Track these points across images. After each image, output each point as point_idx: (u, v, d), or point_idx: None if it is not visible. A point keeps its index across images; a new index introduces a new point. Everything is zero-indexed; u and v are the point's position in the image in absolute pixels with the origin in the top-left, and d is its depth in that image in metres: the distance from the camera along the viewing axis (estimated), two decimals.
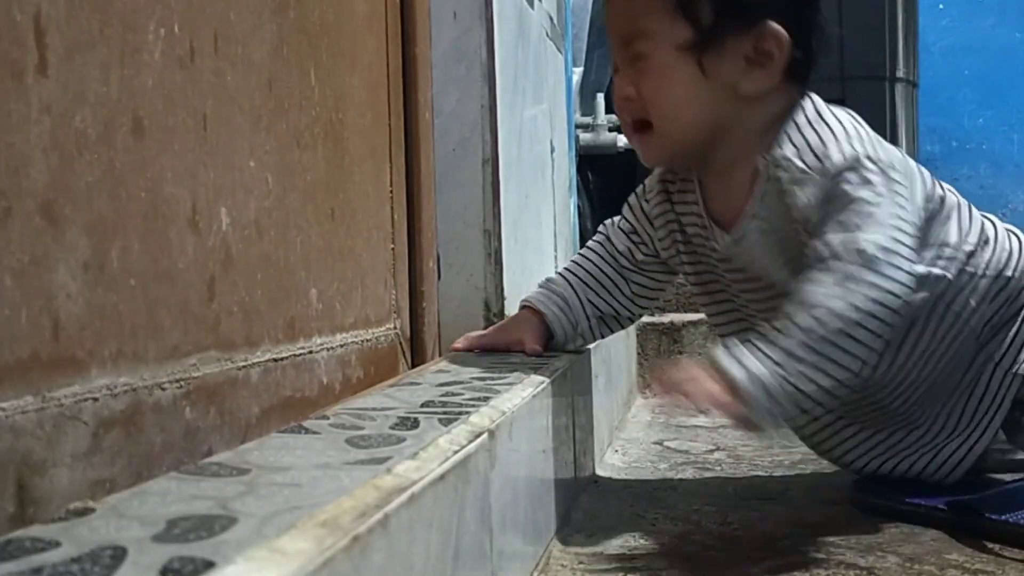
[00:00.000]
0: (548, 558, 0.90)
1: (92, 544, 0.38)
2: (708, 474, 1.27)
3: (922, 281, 0.95)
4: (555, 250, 1.73)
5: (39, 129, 0.52)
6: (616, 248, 1.13)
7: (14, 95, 0.50)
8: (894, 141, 2.93)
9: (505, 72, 1.29)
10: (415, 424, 0.65)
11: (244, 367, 0.74)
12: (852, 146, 0.93)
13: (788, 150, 0.95)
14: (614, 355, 1.56)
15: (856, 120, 0.98)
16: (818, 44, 0.99)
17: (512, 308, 1.22)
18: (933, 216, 1.00)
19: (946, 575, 0.85)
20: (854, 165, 0.92)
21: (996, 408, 1.04)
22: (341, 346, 0.94)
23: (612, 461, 1.35)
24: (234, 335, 0.73)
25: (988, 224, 1.06)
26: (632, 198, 1.15)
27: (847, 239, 0.89)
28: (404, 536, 0.49)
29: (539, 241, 1.40)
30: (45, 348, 0.52)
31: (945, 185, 1.06)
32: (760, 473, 1.26)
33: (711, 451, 1.37)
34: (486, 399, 0.77)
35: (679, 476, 1.25)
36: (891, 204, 0.90)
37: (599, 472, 1.26)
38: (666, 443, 1.48)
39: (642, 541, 0.96)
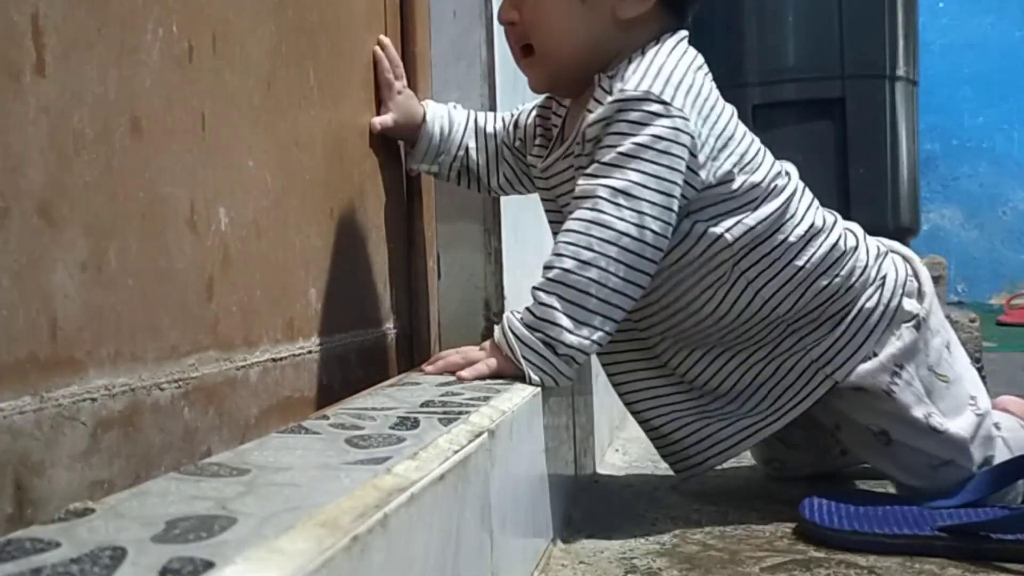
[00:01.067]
0: (548, 558, 0.90)
1: (92, 545, 0.38)
2: (708, 474, 1.26)
3: (697, 238, 0.97)
4: None
5: (36, 129, 0.52)
6: (509, 125, 1.17)
7: (11, 95, 0.50)
8: (894, 140, 2.93)
9: (505, 71, 1.28)
10: (415, 424, 0.65)
11: (243, 367, 0.73)
12: (653, 82, 0.93)
13: (616, 73, 0.97)
14: None
15: (691, 66, 0.97)
16: None
17: (512, 308, 1.22)
18: (732, 183, 0.99)
19: (946, 574, 0.85)
20: (641, 99, 0.92)
21: (799, 401, 1.04)
22: (340, 346, 0.94)
23: (613, 460, 1.35)
24: (233, 335, 0.73)
25: (827, 222, 1.05)
26: (526, 108, 1.17)
27: (593, 185, 0.92)
28: (404, 536, 0.49)
29: (539, 240, 1.40)
30: (43, 348, 0.52)
31: (791, 174, 1.05)
32: (760, 473, 1.26)
33: None
34: (486, 399, 0.76)
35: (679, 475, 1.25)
36: (656, 154, 0.91)
37: (599, 471, 1.26)
38: None
39: (642, 541, 0.96)
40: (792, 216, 1.02)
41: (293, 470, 0.52)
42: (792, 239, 1.01)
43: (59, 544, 0.39)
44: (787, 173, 1.05)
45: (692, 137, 0.93)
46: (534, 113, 1.15)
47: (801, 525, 0.97)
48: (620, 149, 0.92)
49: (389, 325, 1.09)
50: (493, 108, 1.28)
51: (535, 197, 1.16)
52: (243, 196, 0.75)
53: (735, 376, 1.05)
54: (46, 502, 0.51)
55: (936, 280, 3.23)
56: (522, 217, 1.40)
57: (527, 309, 0.91)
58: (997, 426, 1.07)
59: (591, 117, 0.94)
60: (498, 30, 1.28)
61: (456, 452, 0.60)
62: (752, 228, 0.99)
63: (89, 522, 0.42)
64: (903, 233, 3.02)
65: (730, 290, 1.01)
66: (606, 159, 0.92)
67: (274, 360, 0.79)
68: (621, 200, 0.91)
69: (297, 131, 0.87)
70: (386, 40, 1.10)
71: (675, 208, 0.92)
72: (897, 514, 0.96)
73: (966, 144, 4.60)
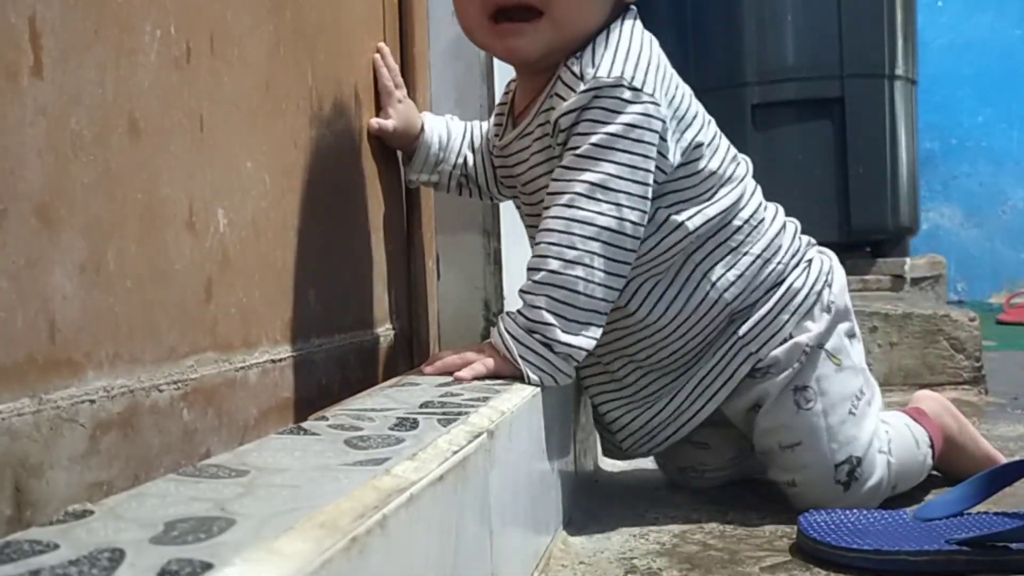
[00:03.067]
0: (548, 558, 0.90)
1: (90, 546, 0.38)
2: None
3: (658, 225, 0.97)
4: None
5: (34, 131, 0.52)
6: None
7: (9, 97, 0.50)
8: (893, 139, 2.94)
9: (503, 72, 1.28)
10: (414, 425, 0.65)
11: (242, 368, 0.73)
12: (623, 67, 0.93)
13: (584, 56, 0.95)
14: None
15: (651, 50, 0.97)
16: None
17: (511, 308, 1.22)
18: (693, 164, 0.99)
19: None
20: (614, 86, 0.92)
21: (725, 381, 1.04)
22: (339, 347, 0.93)
23: (612, 460, 1.35)
24: (232, 336, 0.73)
25: (769, 212, 1.06)
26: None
27: (569, 181, 0.92)
28: (403, 537, 0.49)
29: None
30: (41, 350, 0.52)
31: (743, 160, 1.05)
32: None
33: None
34: (485, 399, 0.76)
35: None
36: (630, 143, 0.91)
37: (600, 471, 1.26)
38: None
39: (642, 541, 0.96)
40: (745, 203, 1.03)
41: (292, 471, 0.52)
42: (744, 226, 1.02)
43: (58, 546, 0.39)
44: (739, 157, 1.06)
45: (662, 122, 0.94)
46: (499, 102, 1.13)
47: (801, 541, 0.92)
48: (593, 140, 0.92)
49: (388, 326, 1.09)
50: (491, 108, 1.27)
51: None
52: (242, 197, 0.75)
53: (669, 374, 1.06)
54: (45, 504, 0.51)
55: (936, 279, 3.24)
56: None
57: (518, 312, 0.92)
58: (886, 431, 1.05)
59: (564, 106, 0.93)
60: None
61: (455, 453, 0.60)
62: (711, 218, 1.00)
63: (88, 524, 0.42)
64: (903, 232, 3.02)
65: (685, 282, 1.01)
66: (580, 151, 0.92)
67: (273, 361, 0.79)
68: (599, 194, 0.91)
69: (296, 132, 0.87)
70: (385, 48, 1.10)
71: (650, 196, 0.93)
72: (899, 527, 0.93)
73: (965, 143, 4.59)
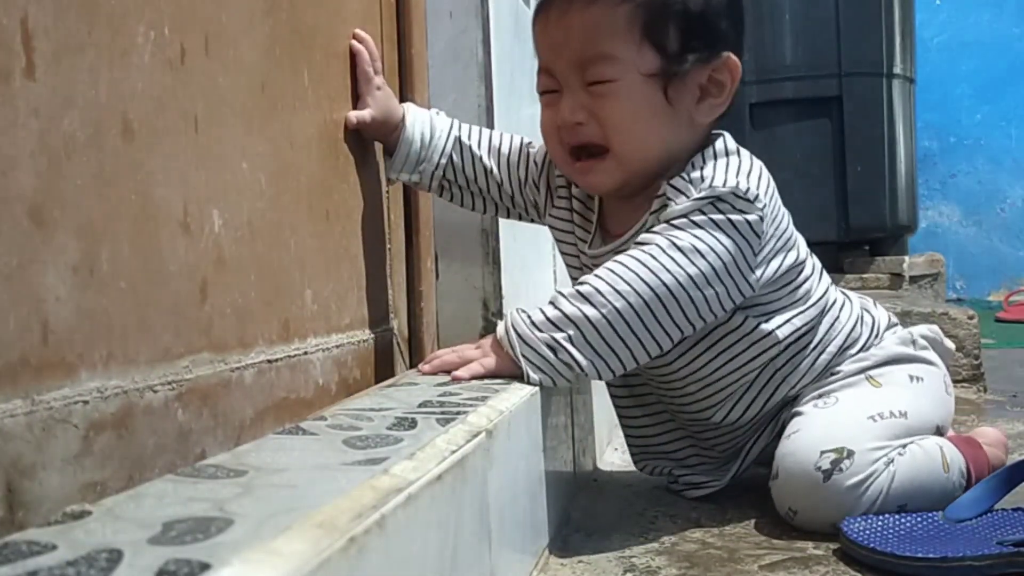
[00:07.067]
0: (547, 557, 0.89)
1: (88, 547, 0.38)
2: None
3: (747, 332, 1.00)
4: (553, 249, 1.72)
5: (27, 132, 0.52)
6: (516, 147, 1.15)
7: (1, 99, 0.50)
8: (892, 137, 2.94)
9: (502, 72, 1.28)
10: (412, 424, 0.65)
11: (238, 369, 0.73)
12: (738, 178, 0.95)
13: (691, 175, 0.97)
14: None
15: (762, 169, 0.99)
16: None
17: (510, 308, 1.22)
18: (787, 282, 1.02)
19: None
20: (725, 196, 0.93)
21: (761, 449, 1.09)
22: (337, 347, 0.93)
23: (611, 459, 1.35)
24: (227, 337, 0.72)
25: (845, 311, 1.08)
26: (522, 141, 1.15)
27: (654, 235, 0.93)
28: (401, 537, 0.49)
29: (537, 240, 1.39)
30: (34, 351, 0.52)
31: (817, 263, 1.08)
32: (760, 471, 1.25)
33: None
34: (484, 399, 0.76)
35: None
36: (723, 233, 0.93)
37: (599, 471, 1.26)
38: None
39: (641, 540, 0.96)
40: (828, 310, 1.05)
41: (290, 471, 0.52)
42: (827, 331, 1.05)
43: (55, 547, 0.38)
44: (816, 263, 1.08)
45: (759, 237, 0.95)
46: (535, 157, 1.13)
47: (854, 551, 0.89)
48: (693, 218, 0.93)
49: (387, 325, 1.09)
50: (490, 109, 1.27)
51: None
52: (237, 198, 0.75)
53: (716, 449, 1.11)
54: (38, 505, 0.51)
55: (934, 277, 3.24)
56: None
57: (540, 310, 0.90)
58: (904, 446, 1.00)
59: (675, 208, 0.94)
60: (496, 31, 1.27)
61: (454, 452, 0.59)
62: (798, 328, 1.02)
63: (86, 524, 0.42)
64: (901, 230, 3.02)
65: (763, 388, 1.04)
66: (677, 221, 0.93)
67: (269, 361, 0.78)
68: (675, 255, 0.91)
69: (291, 132, 0.86)
70: (364, 34, 1.04)
71: (723, 288, 0.93)
72: (942, 531, 0.91)
73: (964, 141, 4.60)
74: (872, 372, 1.04)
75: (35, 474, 0.51)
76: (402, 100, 1.15)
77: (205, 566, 0.36)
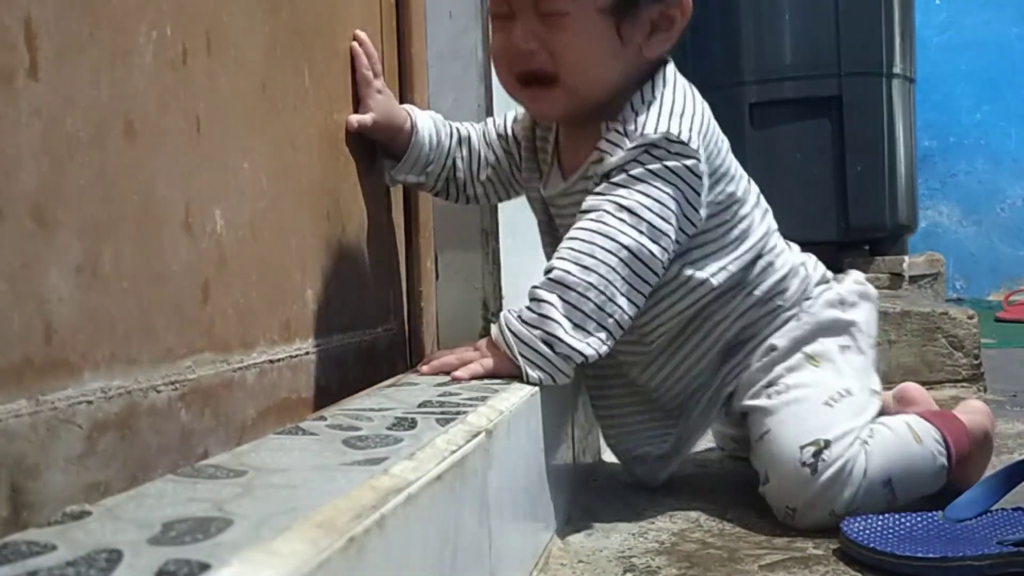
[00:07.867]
0: (547, 557, 0.90)
1: (88, 547, 0.38)
2: (707, 471, 1.26)
3: (685, 280, 1.01)
4: None
5: (30, 133, 0.52)
6: (502, 125, 1.16)
7: (4, 99, 0.50)
8: (891, 137, 2.93)
9: None
10: (412, 424, 0.65)
11: (240, 369, 0.73)
12: (668, 123, 0.96)
13: (626, 114, 0.98)
14: None
15: (695, 104, 1.00)
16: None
17: (511, 308, 1.22)
18: (721, 222, 1.02)
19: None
20: (658, 143, 0.95)
21: (710, 419, 1.11)
22: (338, 347, 0.93)
23: (611, 459, 1.35)
24: (229, 337, 0.72)
25: (782, 258, 1.08)
26: (505, 118, 1.17)
27: (599, 200, 0.94)
28: (401, 537, 0.49)
29: (536, 241, 1.40)
30: (38, 352, 0.52)
31: (763, 204, 1.09)
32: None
33: (710, 449, 1.37)
34: (484, 399, 0.76)
35: (678, 474, 1.25)
36: (664, 182, 0.94)
37: (598, 470, 1.26)
38: None
39: (641, 539, 0.96)
40: (762, 255, 1.05)
41: (290, 471, 0.52)
42: (758, 275, 1.05)
43: (55, 547, 0.39)
44: (764, 204, 1.08)
45: (699, 177, 0.96)
46: (514, 127, 1.15)
47: (853, 551, 0.89)
48: (631, 172, 0.94)
49: (387, 326, 1.09)
50: (489, 108, 1.27)
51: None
52: (238, 198, 0.75)
53: (665, 413, 1.11)
54: (42, 505, 0.51)
55: (934, 277, 3.23)
56: (520, 218, 1.40)
57: (526, 307, 0.91)
58: (871, 432, 1.01)
59: (612, 161, 0.96)
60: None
61: (453, 452, 0.60)
62: (733, 273, 1.03)
63: (85, 525, 0.42)
64: (901, 230, 3.02)
65: (689, 323, 1.05)
66: (616, 179, 0.95)
67: (271, 361, 0.79)
68: (625, 216, 0.93)
69: (293, 133, 0.86)
70: (363, 35, 1.05)
71: (672, 236, 0.95)
72: (941, 530, 0.91)
73: (963, 141, 4.59)
74: (807, 349, 1.05)
75: (39, 474, 0.51)
76: (402, 100, 1.16)
77: (205, 566, 0.36)
